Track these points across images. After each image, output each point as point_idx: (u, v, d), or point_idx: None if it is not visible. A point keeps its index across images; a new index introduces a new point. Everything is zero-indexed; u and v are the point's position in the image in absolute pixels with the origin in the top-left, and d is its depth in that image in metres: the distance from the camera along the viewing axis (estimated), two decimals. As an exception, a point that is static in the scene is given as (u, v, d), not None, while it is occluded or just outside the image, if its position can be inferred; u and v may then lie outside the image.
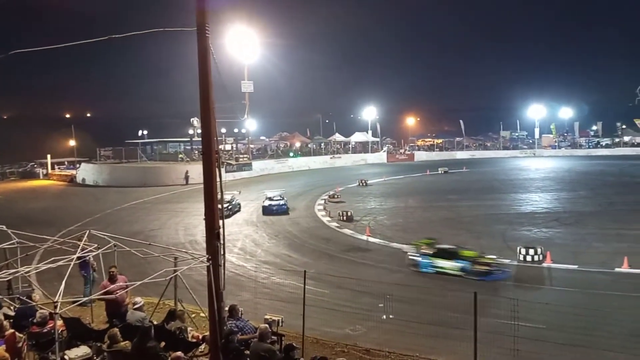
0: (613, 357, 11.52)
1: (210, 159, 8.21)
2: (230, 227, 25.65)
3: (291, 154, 67.30)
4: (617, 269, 17.95)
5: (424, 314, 13.43)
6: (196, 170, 40.39)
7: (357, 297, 15.98)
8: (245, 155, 60.10)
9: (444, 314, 13.37)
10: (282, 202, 32.06)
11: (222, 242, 8.49)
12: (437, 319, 13.03)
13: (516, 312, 12.51)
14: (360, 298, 15.86)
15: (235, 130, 77.95)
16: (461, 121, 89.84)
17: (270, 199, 32.38)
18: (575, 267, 18.58)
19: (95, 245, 11.41)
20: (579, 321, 13.61)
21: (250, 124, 66.68)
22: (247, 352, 9.21)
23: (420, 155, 77.94)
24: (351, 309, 15.04)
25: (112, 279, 11.47)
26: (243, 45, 52.27)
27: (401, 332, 13.21)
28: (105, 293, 10.93)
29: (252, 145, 67.30)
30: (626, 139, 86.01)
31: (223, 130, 66.77)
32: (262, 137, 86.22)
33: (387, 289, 15.54)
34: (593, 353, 11.67)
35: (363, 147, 78.41)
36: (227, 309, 10.02)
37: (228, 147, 65.38)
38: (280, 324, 10.97)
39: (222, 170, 8.52)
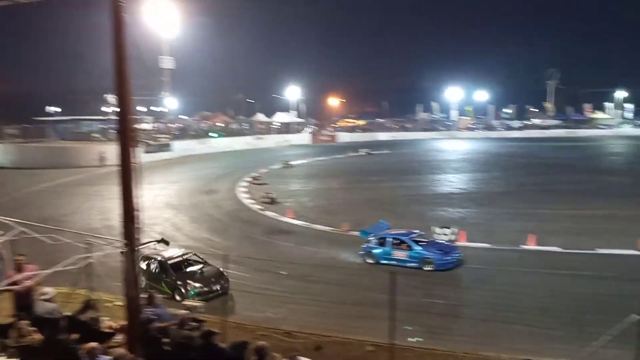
0: (519, 330, 12.23)
1: (127, 139, 7.77)
2: (149, 211, 24.77)
3: (214, 135, 65.94)
4: (522, 246, 19.07)
5: (347, 295, 13.67)
6: (112, 151, 38.67)
7: (279, 279, 16.01)
8: (165, 135, 58.14)
9: (366, 294, 13.70)
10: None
11: (138, 226, 8.12)
12: (359, 299, 13.34)
13: (432, 290, 13.13)
14: (282, 281, 15.90)
15: (154, 108, 75.17)
16: (383, 103, 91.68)
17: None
18: (488, 245, 19.57)
19: (1, 232, 10.60)
20: (490, 297, 14.38)
21: (171, 102, 64.55)
22: (166, 340, 8.96)
23: (344, 137, 78.87)
24: (273, 292, 15.04)
25: (20, 269, 10.72)
26: (163, 19, 50.18)
27: (324, 313, 13.40)
28: (12, 284, 10.20)
29: (172, 125, 65.22)
30: (536, 121, 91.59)
31: (141, 109, 64.20)
32: (183, 117, 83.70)
33: (310, 271, 15.74)
34: (502, 327, 12.34)
35: (287, 128, 78.25)
36: (145, 296, 9.70)
37: (147, 126, 62.94)
38: (199, 310, 10.76)
39: (140, 151, 8.12)
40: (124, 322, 9.37)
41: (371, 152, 56.61)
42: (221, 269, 14.82)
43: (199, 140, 61.84)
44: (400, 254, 18.02)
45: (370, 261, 18.23)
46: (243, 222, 24.94)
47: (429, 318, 12.82)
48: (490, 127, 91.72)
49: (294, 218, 24.93)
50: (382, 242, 18.35)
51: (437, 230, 20.35)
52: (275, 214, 26.11)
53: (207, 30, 71.54)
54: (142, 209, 8.09)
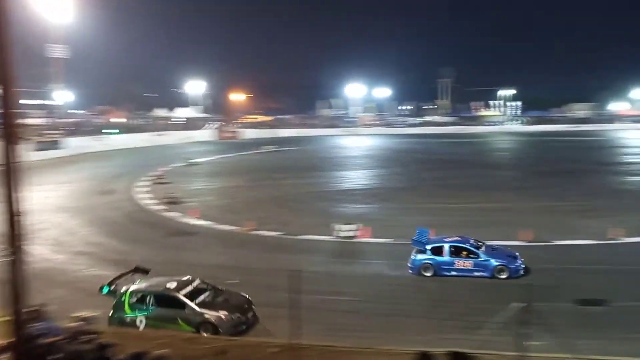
0: (413, 322, 12.73)
1: (10, 135, 7.14)
2: (39, 215, 23.07)
3: (111, 131, 62.74)
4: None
5: (253, 295, 13.53)
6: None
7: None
8: (56, 132, 54.43)
9: (272, 294, 13.65)
10: None
11: (23, 231, 7.51)
12: (265, 300, 13.28)
13: (333, 288, 13.39)
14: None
15: (45, 102, 70.02)
16: (288, 99, 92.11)
17: None
18: (390, 240, 20.22)
19: None
20: (391, 292, 14.93)
21: (63, 96, 60.56)
22: (56, 356, 8.39)
23: (249, 133, 78.30)
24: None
25: None
26: (52, 2, 46.73)
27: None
28: None
29: (65, 120, 61.17)
30: (433, 118, 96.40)
31: (30, 102, 59.60)
32: (77, 111, 78.78)
33: (214, 272, 15.44)
34: (399, 320, 12.86)
35: (190, 124, 76.25)
36: (31, 309, 9.00)
37: (35, 121, 58.50)
38: (94, 321, 10.18)
39: (28, 148, 7.50)
40: (9, 340, 8.68)
41: (275, 148, 56.70)
42: (243, 294, 13.40)
43: (94, 136, 58.58)
44: (464, 264, 16.51)
45: (428, 274, 16.47)
46: (143, 224, 23.99)
47: (333, 315, 13.08)
48: (390, 124, 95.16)
49: (198, 218, 24.36)
50: (438, 251, 16.74)
51: (342, 227, 20.71)
52: (178, 215, 25.37)
53: (105, 18, 67.74)
54: (30, 213, 7.50)
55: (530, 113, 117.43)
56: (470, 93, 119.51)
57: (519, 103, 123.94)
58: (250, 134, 77.86)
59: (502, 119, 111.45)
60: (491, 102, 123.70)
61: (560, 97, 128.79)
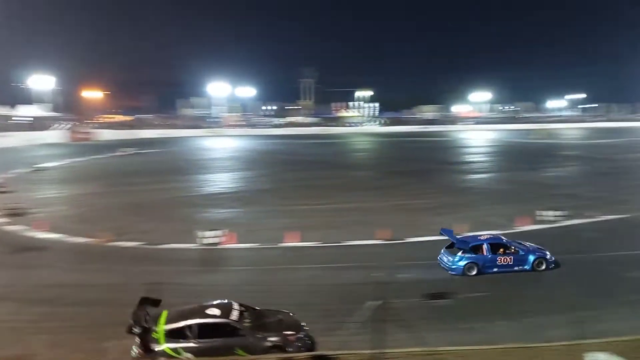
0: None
1: None
2: None
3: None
4: (284, 244, 20.23)
5: (111, 315, 12.69)
6: None
7: (24, 307, 14.18)
8: None
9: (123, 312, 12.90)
10: None
11: None
12: (123, 319, 12.57)
13: (198, 298, 13.00)
14: (28, 308, 14.12)
15: None
16: (149, 97, 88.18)
17: None
18: (255, 245, 20.27)
19: None
20: (255, 298, 14.90)
21: None
22: None
23: (105, 134, 73.60)
24: (18, 323, 13.24)
25: None
26: None
27: (74, 336, 12.27)
28: None
29: None
30: (296, 119, 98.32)
31: None
32: None
33: (65, 292, 14.35)
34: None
35: (37, 124, 69.67)
36: None
37: None
38: None
39: None
40: None
41: (136, 151, 54.04)
42: (284, 310, 12.51)
43: None
44: (506, 260, 16.91)
45: (473, 273, 16.62)
46: (-19, 241, 21.44)
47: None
48: (254, 125, 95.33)
49: (47, 231, 22.36)
50: (478, 250, 16.92)
51: (206, 234, 20.34)
52: (24, 228, 23.08)
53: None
54: None
55: (386, 114, 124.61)
56: (332, 94, 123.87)
57: (377, 104, 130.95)
58: (107, 135, 73.31)
59: (361, 120, 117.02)
60: (351, 103, 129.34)
61: (412, 98, 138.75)
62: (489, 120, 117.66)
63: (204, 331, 11.13)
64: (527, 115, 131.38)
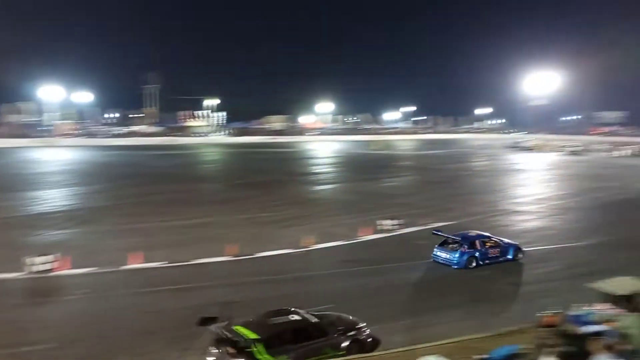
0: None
1: None
2: None
3: None
4: (126, 266, 18.88)
5: None
6: None
7: None
8: None
9: None
10: None
11: None
12: None
13: (23, 335, 11.60)
14: None
15: None
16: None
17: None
18: (93, 269, 18.60)
19: None
20: (93, 329, 13.72)
21: None
22: None
23: None
24: None
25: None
26: None
27: None
28: None
29: None
30: (139, 128, 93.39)
31: None
32: None
33: None
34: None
35: None
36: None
37: None
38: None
39: None
40: None
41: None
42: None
43: None
44: (495, 252, 19.24)
45: (473, 265, 18.66)
46: None
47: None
48: (93, 134, 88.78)
49: None
50: (473, 245, 18.95)
51: (36, 260, 18.21)
52: None
53: None
54: None
55: (234, 124, 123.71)
56: (178, 102, 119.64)
57: (224, 113, 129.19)
58: None
59: (209, 129, 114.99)
60: (198, 112, 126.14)
61: (260, 108, 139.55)
62: (333, 131, 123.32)
63: (298, 336, 11.38)
64: (367, 126, 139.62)
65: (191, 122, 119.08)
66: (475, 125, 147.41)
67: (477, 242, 19.25)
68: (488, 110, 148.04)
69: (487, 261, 19.03)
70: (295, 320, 11.84)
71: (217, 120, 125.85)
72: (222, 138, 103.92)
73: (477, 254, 18.95)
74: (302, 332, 11.56)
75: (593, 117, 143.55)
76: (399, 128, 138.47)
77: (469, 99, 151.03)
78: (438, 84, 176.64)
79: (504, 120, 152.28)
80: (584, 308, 13.48)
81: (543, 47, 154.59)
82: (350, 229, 24.48)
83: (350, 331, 12.23)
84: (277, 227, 25.51)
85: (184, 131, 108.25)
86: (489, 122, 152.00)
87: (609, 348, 9.76)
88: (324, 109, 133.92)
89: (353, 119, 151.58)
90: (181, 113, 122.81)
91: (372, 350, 12.06)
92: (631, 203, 33.14)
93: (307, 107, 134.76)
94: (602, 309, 13.30)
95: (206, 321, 11.58)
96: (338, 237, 23.28)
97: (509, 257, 19.57)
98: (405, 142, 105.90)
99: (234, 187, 39.54)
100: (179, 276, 18.14)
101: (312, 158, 68.58)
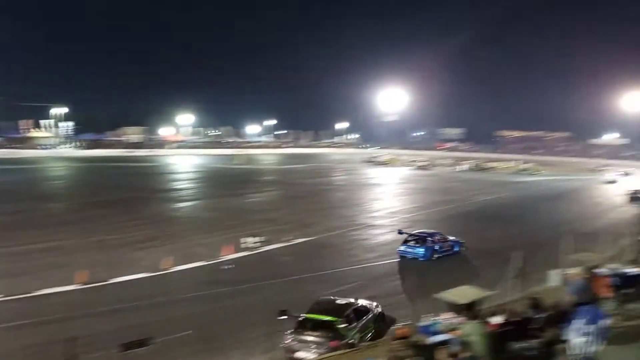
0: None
1: None
2: None
3: None
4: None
5: None
6: None
7: None
8: None
9: None
10: None
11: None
12: None
13: None
14: None
15: None
16: None
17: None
18: None
19: None
20: None
21: None
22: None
23: None
24: None
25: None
26: None
27: None
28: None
29: None
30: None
31: None
32: None
33: None
34: None
35: None
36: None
37: None
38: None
39: None
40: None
41: None
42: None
43: None
44: (446, 246, 23.95)
45: (435, 257, 23.17)
46: None
47: None
48: None
49: None
50: (433, 241, 23.53)
51: None
52: None
53: None
54: None
55: (85, 135, 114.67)
56: (20, 109, 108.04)
57: (72, 123, 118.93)
58: None
59: (55, 141, 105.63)
60: (42, 122, 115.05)
61: (115, 118, 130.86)
62: (194, 145, 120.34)
63: (357, 314, 14.42)
64: (230, 140, 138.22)
65: (35, 133, 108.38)
66: (336, 139, 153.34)
67: (435, 238, 23.80)
68: (345, 124, 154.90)
69: (442, 254, 23.47)
70: (351, 303, 14.89)
71: (65, 131, 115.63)
72: (71, 151, 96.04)
73: (436, 247, 23.45)
74: (358, 311, 14.59)
75: (437, 133, 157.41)
76: (261, 142, 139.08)
77: (328, 113, 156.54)
78: (298, 97, 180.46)
79: (358, 136, 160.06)
80: (432, 318, 14.60)
81: (394, 65, 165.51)
82: (213, 248, 23.96)
83: (377, 308, 15.45)
84: (133, 249, 24.10)
85: (26, 143, 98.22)
86: (348, 136, 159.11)
87: (452, 356, 10.65)
88: (185, 120, 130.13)
89: (215, 132, 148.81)
90: (23, 122, 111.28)
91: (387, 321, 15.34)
92: (471, 215, 36.56)
93: (166, 119, 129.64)
94: (447, 318, 14.50)
95: (283, 313, 14.00)
96: (199, 257, 22.67)
97: (456, 249, 24.25)
98: (267, 156, 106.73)
99: (85, 206, 36.52)
100: (18, 311, 16.25)
101: (172, 173, 66.06)
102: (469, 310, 14.26)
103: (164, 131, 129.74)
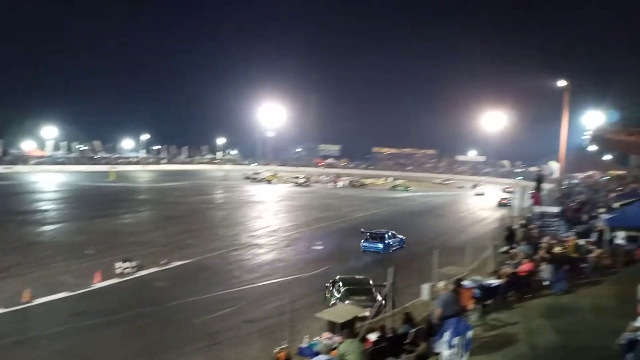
0: None
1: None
2: None
3: None
4: None
5: None
6: None
7: None
8: None
9: None
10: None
11: None
12: None
13: None
14: None
15: None
16: None
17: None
18: None
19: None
20: None
21: None
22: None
23: None
24: None
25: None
26: None
27: None
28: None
29: None
30: None
31: None
32: None
33: None
34: None
35: None
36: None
37: None
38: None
39: None
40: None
41: None
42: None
43: None
44: (396, 241, 31.43)
45: (392, 250, 30.42)
46: None
47: None
48: None
49: None
50: (390, 237, 31.05)
51: None
52: None
53: None
54: None
55: None
56: None
57: None
58: None
59: None
60: None
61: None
62: (61, 161, 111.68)
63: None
64: (101, 155, 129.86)
65: None
66: (216, 155, 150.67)
67: (390, 235, 31.20)
68: (224, 140, 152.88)
69: (396, 248, 30.76)
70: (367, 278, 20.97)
71: None
72: None
73: (390, 242, 30.52)
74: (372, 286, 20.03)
75: (316, 149, 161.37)
76: (136, 157, 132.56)
77: (207, 128, 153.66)
78: (175, 111, 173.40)
79: (236, 152, 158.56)
80: (314, 339, 14.96)
81: (272, 81, 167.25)
82: (81, 276, 22.55)
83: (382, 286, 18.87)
84: (-11, 281, 21.85)
85: None
86: (228, 152, 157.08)
87: (332, 376, 11.02)
88: (49, 134, 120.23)
89: (83, 147, 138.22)
90: None
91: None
92: (348, 232, 37.91)
93: (28, 132, 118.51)
94: (327, 337, 14.94)
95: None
96: (66, 286, 21.15)
97: (403, 245, 31.68)
98: (143, 173, 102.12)
99: None
100: None
101: (34, 192, 60.44)
102: (347, 328, 14.84)
103: (26, 145, 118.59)
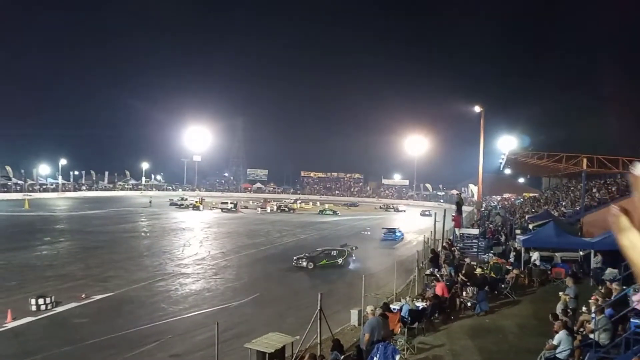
0: None
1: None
2: None
3: None
4: None
5: None
6: None
7: None
8: None
9: None
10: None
11: None
12: None
13: None
14: None
15: None
16: None
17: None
18: None
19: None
20: None
21: None
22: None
23: None
24: None
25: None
26: None
27: None
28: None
29: None
30: None
31: None
32: None
33: None
34: None
35: None
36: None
37: None
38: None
39: None
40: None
41: None
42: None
43: None
44: (400, 233, 51.47)
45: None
46: None
47: None
48: None
49: None
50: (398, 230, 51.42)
51: None
52: None
53: None
54: None
55: None
56: None
57: None
58: None
59: None
60: None
61: None
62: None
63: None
64: (12, 182, 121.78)
65: None
66: (140, 181, 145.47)
67: (398, 229, 49.78)
68: (148, 165, 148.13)
69: (401, 238, 47.45)
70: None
71: None
72: None
73: (398, 234, 49.11)
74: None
75: (244, 174, 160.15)
76: (52, 184, 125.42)
77: (130, 152, 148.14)
78: (95, 135, 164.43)
79: (161, 177, 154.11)
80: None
81: (198, 105, 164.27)
82: (-8, 316, 20.92)
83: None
84: None
85: None
86: (154, 178, 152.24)
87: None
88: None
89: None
90: None
91: None
92: (277, 257, 37.72)
93: None
94: (256, 369, 14.71)
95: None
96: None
97: (402, 238, 49.16)
98: (60, 201, 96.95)
99: None
100: None
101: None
102: (277, 358, 14.71)
103: None
